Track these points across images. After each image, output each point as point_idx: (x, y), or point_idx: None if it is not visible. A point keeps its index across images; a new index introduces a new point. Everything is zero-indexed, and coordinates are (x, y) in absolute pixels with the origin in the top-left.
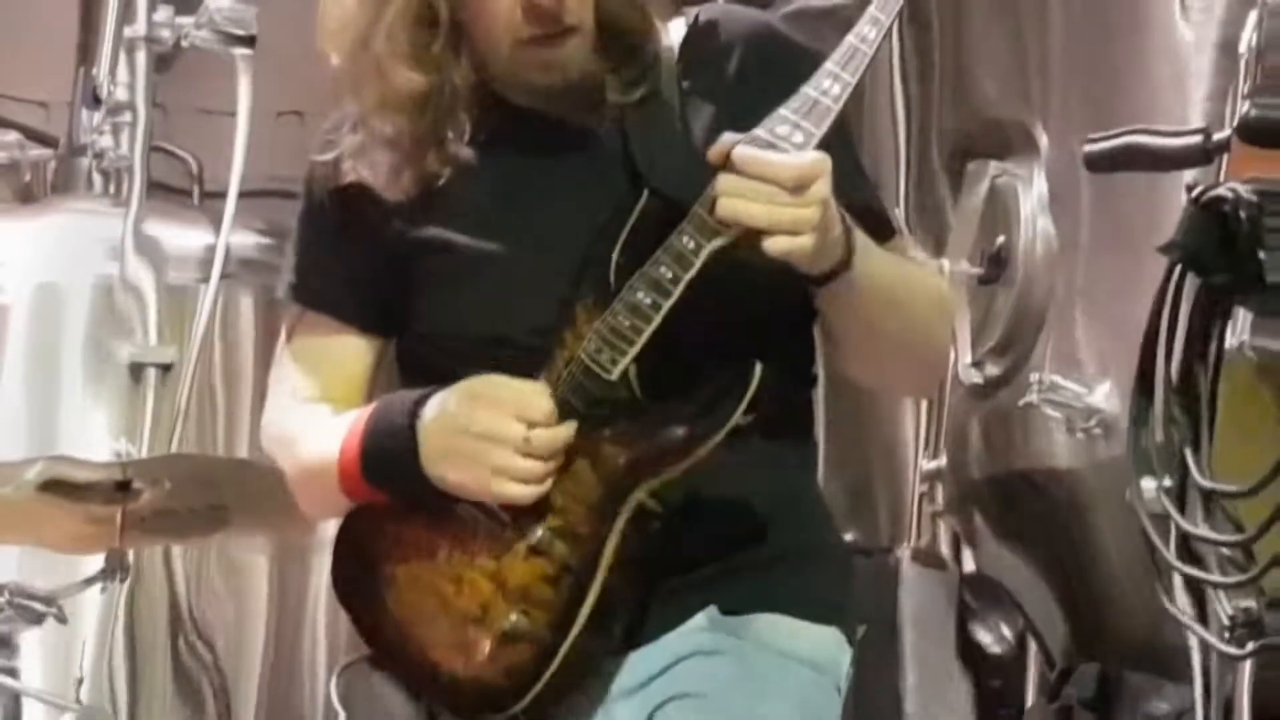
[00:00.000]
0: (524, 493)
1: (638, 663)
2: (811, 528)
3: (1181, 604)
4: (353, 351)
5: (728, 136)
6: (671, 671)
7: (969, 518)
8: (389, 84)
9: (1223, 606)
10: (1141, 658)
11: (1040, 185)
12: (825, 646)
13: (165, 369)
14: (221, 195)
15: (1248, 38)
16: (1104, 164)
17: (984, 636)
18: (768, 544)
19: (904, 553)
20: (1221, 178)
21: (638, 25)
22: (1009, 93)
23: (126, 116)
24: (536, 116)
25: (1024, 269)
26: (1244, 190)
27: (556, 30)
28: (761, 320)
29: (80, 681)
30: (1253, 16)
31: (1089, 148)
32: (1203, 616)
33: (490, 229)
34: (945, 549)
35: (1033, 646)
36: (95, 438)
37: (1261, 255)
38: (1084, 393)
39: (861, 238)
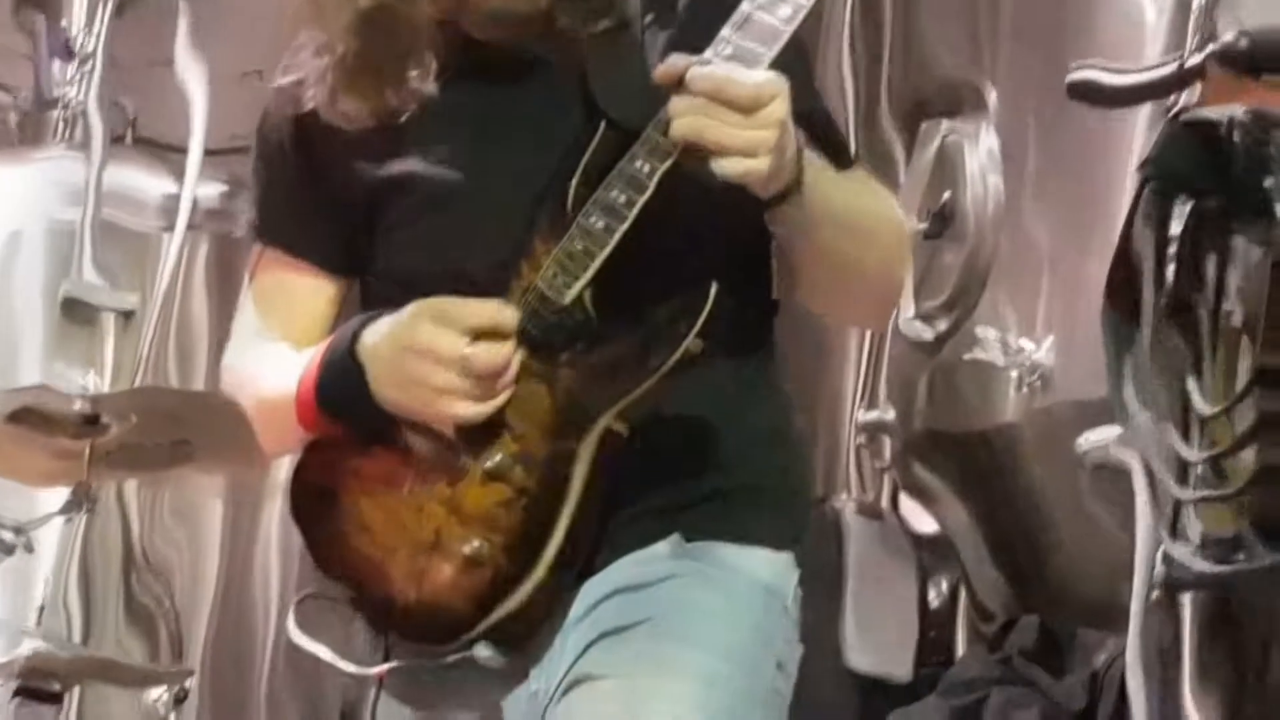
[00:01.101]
0: (467, 411)
1: (595, 587)
2: (774, 453)
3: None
4: (313, 290)
5: (676, 58)
6: (625, 597)
7: (912, 471)
8: (355, 6)
9: (1194, 524)
10: (1079, 609)
11: (990, 141)
12: (778, 571)
13: (126, 315)
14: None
15: None
16: (1079, 94)
17: (925, 590)
18: (728, 470)
19: (842, 503)
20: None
21: None
22: (960, 53)
23: (89, 66)
24: (497, 50)
25: (975, 226)
26: (1241, 114)
27: None
28: (717, 243)
29: (42, 609)
30: None
31: (1070, 77)
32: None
33: (451, 163)
34: (886, 502)
35: (964, 598)
36: (59, 379)
37: (1267, 183)
38: (1030, 348)
39: (814, 160)
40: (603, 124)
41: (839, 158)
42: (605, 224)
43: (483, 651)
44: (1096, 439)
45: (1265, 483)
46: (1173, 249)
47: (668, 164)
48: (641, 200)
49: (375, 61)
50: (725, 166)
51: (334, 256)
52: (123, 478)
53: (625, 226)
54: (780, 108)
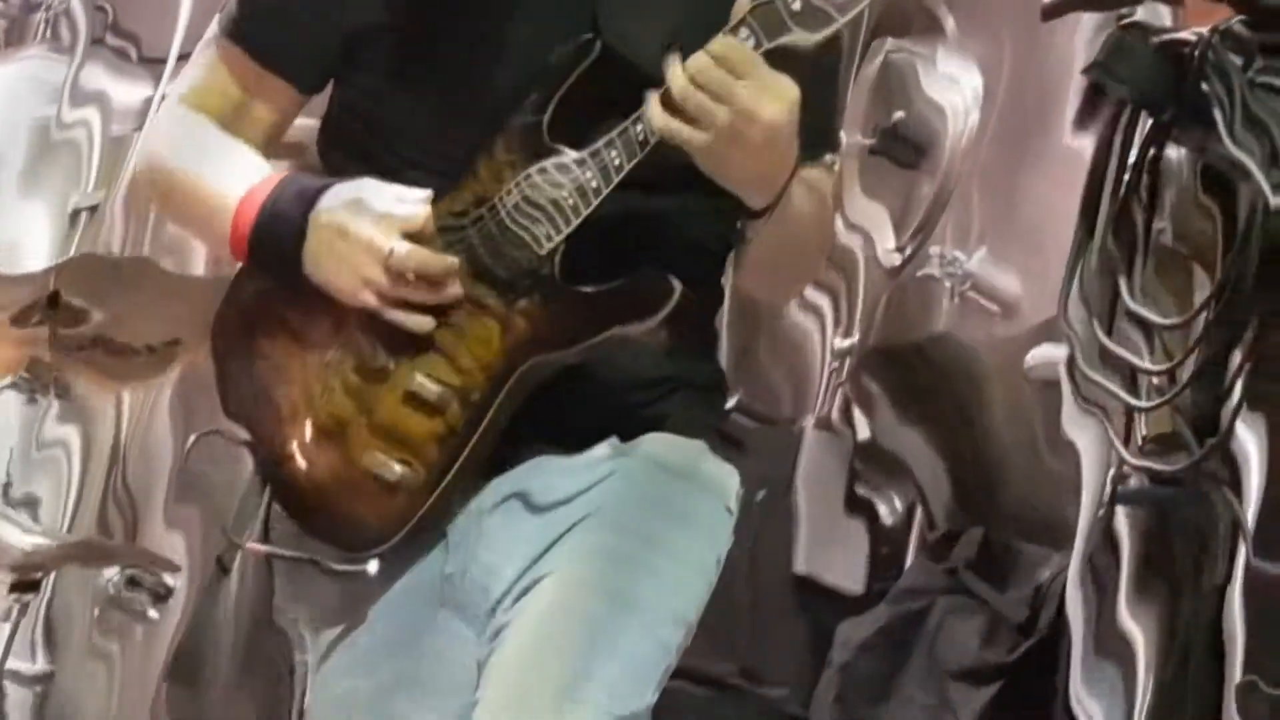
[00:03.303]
0: (370, 301)
1: (542, 488)
2: (706, 367)
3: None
4: (270, 103)
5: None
6: (576, 499)
7: (865, 386)
8: None
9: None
10: (1024, 524)
11: (975, 81)
12: (718, 472)
13: (92, 210)
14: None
15: None
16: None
17: (877, 505)
18: (663, 384)
19: (808, 422)
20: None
21: None
22: None
23: None
24: None
25: (948, 159)
26: (1208, 33)
27: None
28: (691, 239)
29: (8, 485)
30: None
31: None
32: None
33: (449, 31)
34: (837, 415)
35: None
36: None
37: (1204, 87)
38: (962, 259)
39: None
40: (598, 45)
41: (817, 147)
42: (597, 184)
43: (372, 567)
44: (1043, 355)
45: (1197, 384)
46: (1131, 158)
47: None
48: (631, 164)
49: None
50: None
51: (306, 73)
52: (108, 385)
53: (609, 189)
54: (744, 90)
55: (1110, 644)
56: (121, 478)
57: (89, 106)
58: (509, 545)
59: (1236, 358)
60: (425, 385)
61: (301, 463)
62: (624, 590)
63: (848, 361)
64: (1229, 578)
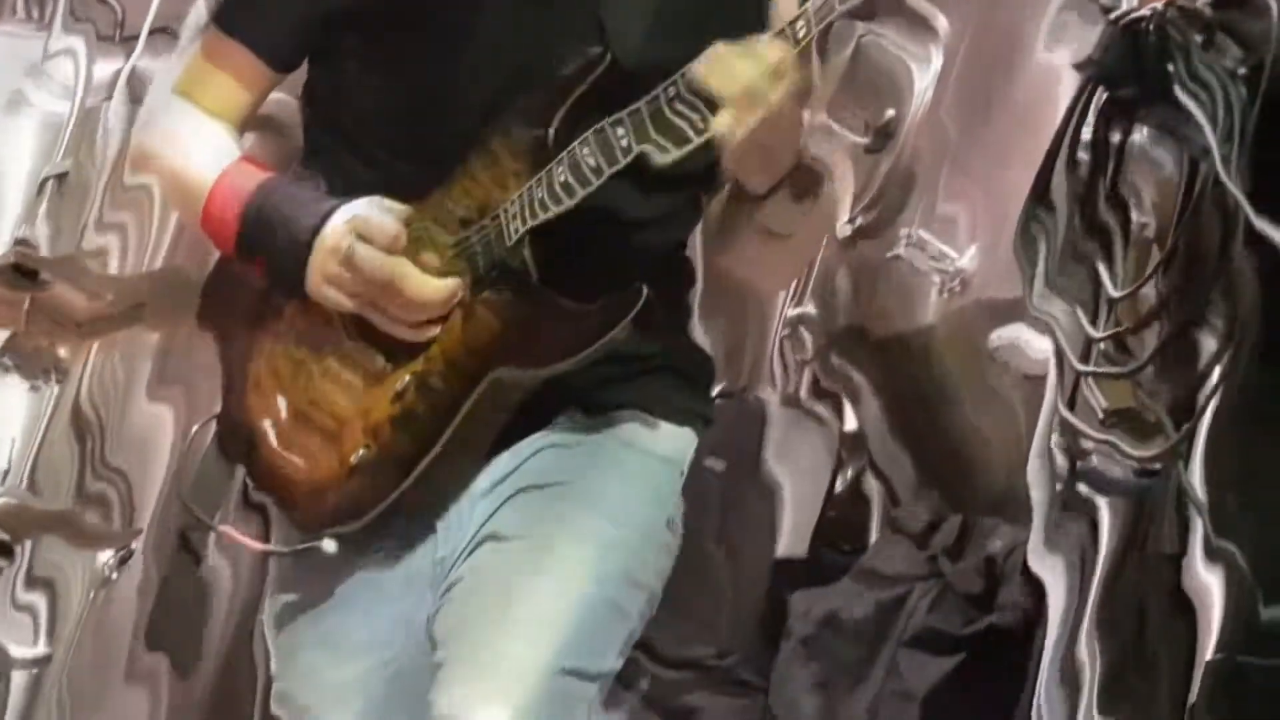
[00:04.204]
0: (338, 302)
1: (495, 463)
2: (686, 348)
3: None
4: (252, 82)
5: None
6: (525, 465)
7: (830, 363)
8: None
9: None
10: (985, 500)
11: (937, 63)
12: (677, 443)
13: (60, 178)
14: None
15: None
16: None
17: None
18: (630, 363)
19: (765, 393)
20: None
21: None
22: None
23: None
24: None
25: (902, 137)
26: (1161, 7)
27: None
28: (662, 238)
29: (6, 473)
30: None
31: None
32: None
33: (445, 26)
34: (806, 394)
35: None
36: None
37: (1169, 67)
38: (954, 255)
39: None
40: (605, 56)
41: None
42: (567, 182)
43: (329, 546)
44: (1007, 335)
45: (1161, 359)
46: (1086, 134)
47: (645, 147)
48: (610, 171)
49: None
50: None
51: (279, 50)
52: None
53: (587, 191)
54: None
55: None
56: (101, 453)
57: (60, 78)
58: (494, 524)
59: (1204, 337)
60: (384, 367)
61: (270, 440)
62: (564, 549)
63: (801, 331)
64: (1184, 549)
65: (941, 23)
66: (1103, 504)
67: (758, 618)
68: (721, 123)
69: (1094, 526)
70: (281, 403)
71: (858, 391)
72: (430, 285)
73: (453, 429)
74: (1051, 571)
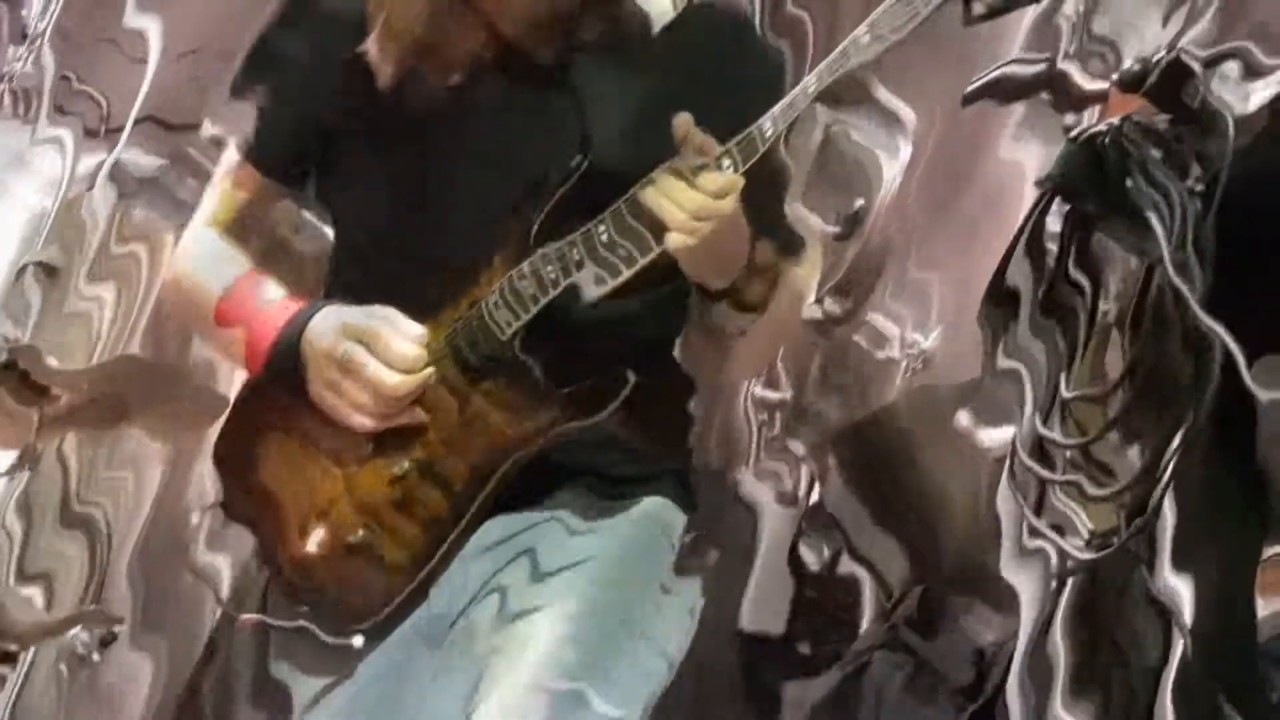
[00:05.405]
0: (365, 424)
1: (501, 528)
2: (673, 444)
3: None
4: (274, 205)
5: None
6: (523, 534)
7: (805, 445)
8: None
9: (1082, 520)
10: (963, 582)
11: (905, 153)
12: (668, 516)
13: (50, 270)
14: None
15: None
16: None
17: (807, 555)
18: (627, 458)
19: (744, 474)
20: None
21: None
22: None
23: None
24: (514, 48)
25: (872, 217)
26: (1118, 122)
27: None
28: (650, 331)
29: None
30: None
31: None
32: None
33: (442, 146)
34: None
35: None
36: None
37: (1128, 183)
38: (920, 340)
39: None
40: (584, 163)
41: (787, 247)
42: (554, 276)
43: (357, 642)
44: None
45: (1142, 482)
46: (1051, 245)
47: (578, 276)
48: (591, 261)
49: (423, 32)
50: (671, 238)
51: (292, 177)
52: (62, 433)
53: (569, 282)
54: (730, 204)
55: None
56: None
57: (44, 169)
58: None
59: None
60: (394, 458)
61: (299, 553)
62: (624, 614)
63: (777, 417)
64: (1164, 661)
65: (909, 114)
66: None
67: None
68: (670, 240)
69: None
70: (299, 511)
71: (825, 471)
72: (392, 376)
73: (469, 517)
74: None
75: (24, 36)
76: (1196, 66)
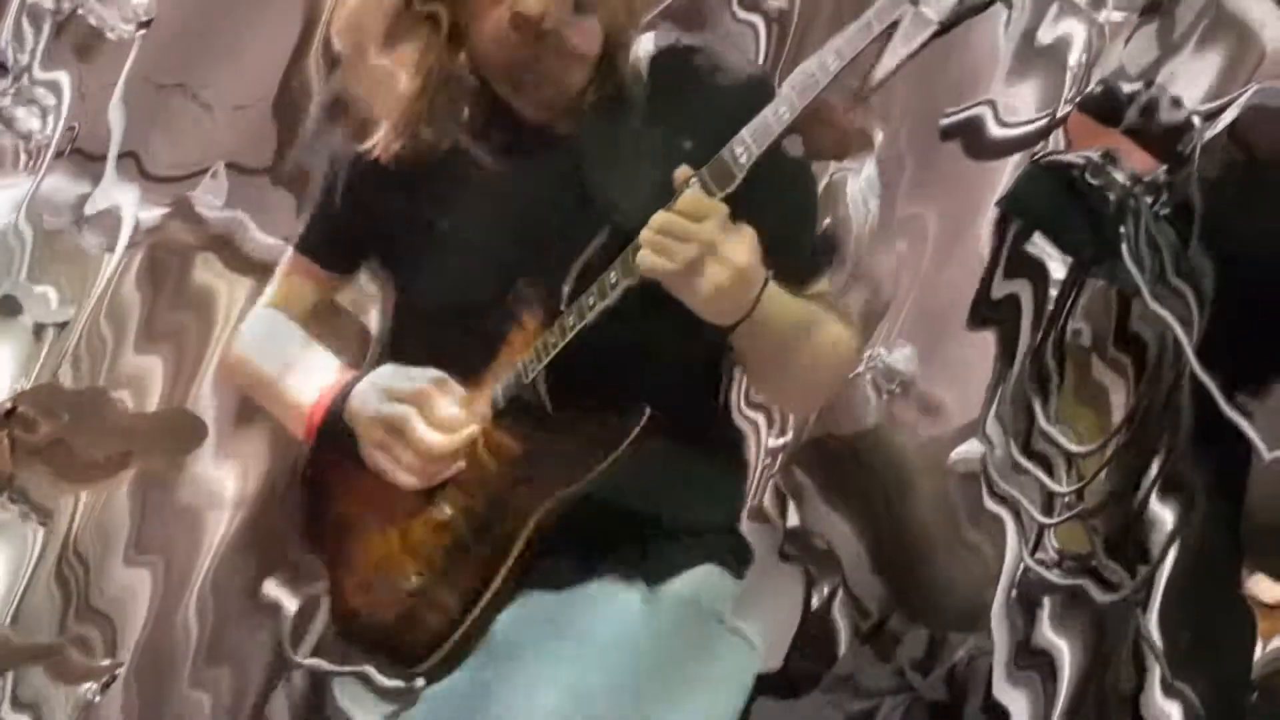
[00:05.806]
0: (411, 482)
1: (571, 618)
2: (715, 505)
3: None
4: (325, 289)
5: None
6: (606, 628)
7: (794, 476)
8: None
9: (1051, 542)
10: (950, 613)
11: (871, 171)
12: (716, 591)
13: (61, 326)
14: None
15: (1077, 53)
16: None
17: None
18: (673, 519)
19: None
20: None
21: (629, 41)
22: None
23: (38, 91)
24: (525, 119)
25: (858, 261)
26: (1094, 155)
27: (540, 38)
28: (667, 366)
29: None
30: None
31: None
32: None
33: (466, 216)
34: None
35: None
36: None
37: (1122, 229)
38: (884, 354)
39: (777, 294)
40: (607, 228)
41: (802, 274)
42: (573, 320)
43: (419, 684)
44: (965, 451)
45: (1112, 506)
46: (1053, 292)
47: (630, 281)
48: (602, 305)
49: (409, 112)
50: (644, 258)
51: (343, 267)
52: (65, 488)
53: (582, 324)
54: (709, 228)
55: None
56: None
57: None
58: (538, 666)
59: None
60: (440, 506)
61: (361, 604)
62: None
63: (778, 458)
64: (1140, 686)
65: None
66: (1063, 644)
67: None
68: (640, 258)
69: (1054, 665)
70: (363, 565)
71: (810, 498)
72: (436, 437)
73: (514, 558)
74: (1015, 704)
75: (4, 67)
76: (1197, 121)
